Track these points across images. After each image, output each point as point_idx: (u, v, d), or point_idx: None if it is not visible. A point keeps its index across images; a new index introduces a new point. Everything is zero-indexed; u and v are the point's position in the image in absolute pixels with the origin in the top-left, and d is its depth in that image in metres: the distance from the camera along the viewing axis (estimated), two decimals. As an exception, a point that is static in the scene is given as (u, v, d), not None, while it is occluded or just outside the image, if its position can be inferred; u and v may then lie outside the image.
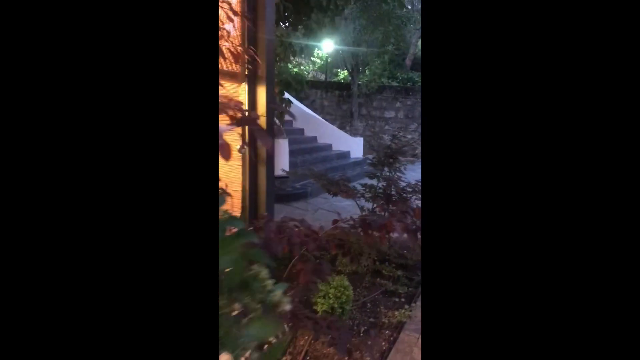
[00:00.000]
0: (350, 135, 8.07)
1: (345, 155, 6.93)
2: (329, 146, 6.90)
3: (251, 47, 1.65)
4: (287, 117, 7.12)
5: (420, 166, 0.88)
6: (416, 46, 10.85)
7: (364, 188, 2.79)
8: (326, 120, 9.24)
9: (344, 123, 10.20)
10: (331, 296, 1.92)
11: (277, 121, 5.32)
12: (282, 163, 4.76)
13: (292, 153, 5.94)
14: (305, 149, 6.32)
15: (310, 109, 8.79)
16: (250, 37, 1.65)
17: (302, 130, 6.94)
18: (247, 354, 0.73)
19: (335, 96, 10.55)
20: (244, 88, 1.70)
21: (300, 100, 9.58)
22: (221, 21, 1.52)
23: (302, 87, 3.03)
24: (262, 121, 1.72)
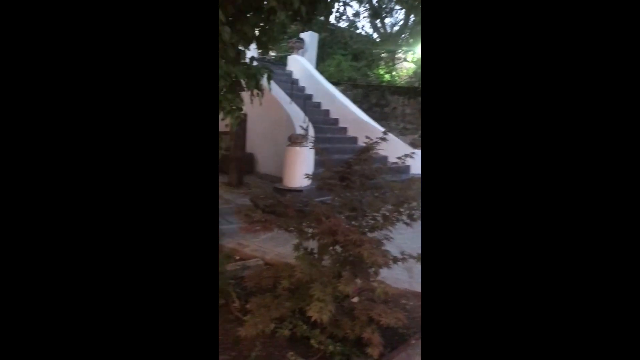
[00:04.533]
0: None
1: (403, 170, 5.93)
2: (384, 158, 6.02)
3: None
4: (341, 125, 6.52)
5: None
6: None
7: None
8: (406, 129, 8.26)
9: (426, 134, 8.96)
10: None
11: (302, 128, 4.80)
12: (301, 174, 4.20)
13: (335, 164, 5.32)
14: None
15: (378, 116, 7.97)
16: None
17: (354, 139, 6.22)
18: None
19: (418, 104, 9.39)
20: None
21: (380, 107, 8.82)
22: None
23: (255, 85, 2.43)
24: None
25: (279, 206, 2.18)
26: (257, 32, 2.66)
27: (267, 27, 2.56)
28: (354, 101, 8.14)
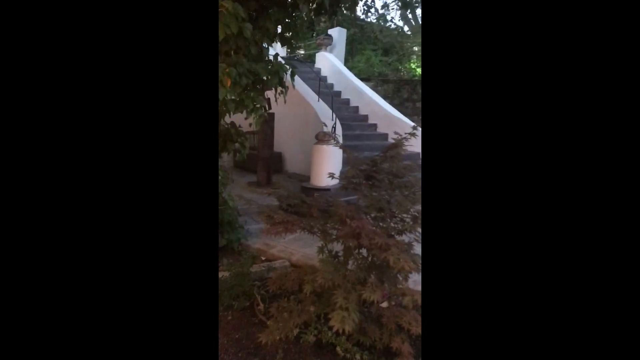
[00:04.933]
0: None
1: (436, 166, 5.68)
2: (416, 155, 5.80)
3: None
4: (371, 121, 6.36)
5: None
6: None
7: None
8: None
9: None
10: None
11: (325, 126, 4.69)
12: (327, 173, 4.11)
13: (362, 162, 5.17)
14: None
15: (410, 111, 7.70)
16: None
17: (385, 136, 6.04)
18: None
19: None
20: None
21: (413, 102, 8.55)
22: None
23: (277, 82, 2.36)
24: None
25: (302, 206, 2.10)
26: (280, 28, 2.60)
27: (290, 22, 2.49)
28: (385, 97, 7.92)
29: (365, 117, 6.45)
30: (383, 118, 6.25)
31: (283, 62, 2.56)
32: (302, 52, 9.90)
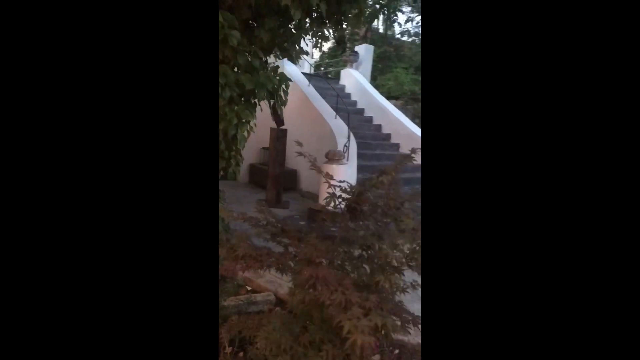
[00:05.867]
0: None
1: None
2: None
3: None
4: (393, 141, 6.03)
5: None
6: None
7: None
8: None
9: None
10: None
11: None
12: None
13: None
14: (405, 179, 5.05)
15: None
16: None
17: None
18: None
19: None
20: None
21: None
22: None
23: (265, 95, 2.13)
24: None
25: (281, 235, 1.83)
26: (277, 38, 2.40)
27: (285, 31, 2.29)
28: (415, 116, 7.55)
29: (388, 136, 6.12)
30: (406, 137, 5.88)
31: (279, 74, 2.34)
32: (332, 68, 9.79)
